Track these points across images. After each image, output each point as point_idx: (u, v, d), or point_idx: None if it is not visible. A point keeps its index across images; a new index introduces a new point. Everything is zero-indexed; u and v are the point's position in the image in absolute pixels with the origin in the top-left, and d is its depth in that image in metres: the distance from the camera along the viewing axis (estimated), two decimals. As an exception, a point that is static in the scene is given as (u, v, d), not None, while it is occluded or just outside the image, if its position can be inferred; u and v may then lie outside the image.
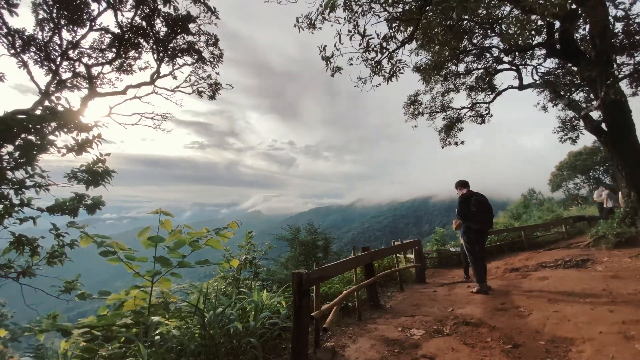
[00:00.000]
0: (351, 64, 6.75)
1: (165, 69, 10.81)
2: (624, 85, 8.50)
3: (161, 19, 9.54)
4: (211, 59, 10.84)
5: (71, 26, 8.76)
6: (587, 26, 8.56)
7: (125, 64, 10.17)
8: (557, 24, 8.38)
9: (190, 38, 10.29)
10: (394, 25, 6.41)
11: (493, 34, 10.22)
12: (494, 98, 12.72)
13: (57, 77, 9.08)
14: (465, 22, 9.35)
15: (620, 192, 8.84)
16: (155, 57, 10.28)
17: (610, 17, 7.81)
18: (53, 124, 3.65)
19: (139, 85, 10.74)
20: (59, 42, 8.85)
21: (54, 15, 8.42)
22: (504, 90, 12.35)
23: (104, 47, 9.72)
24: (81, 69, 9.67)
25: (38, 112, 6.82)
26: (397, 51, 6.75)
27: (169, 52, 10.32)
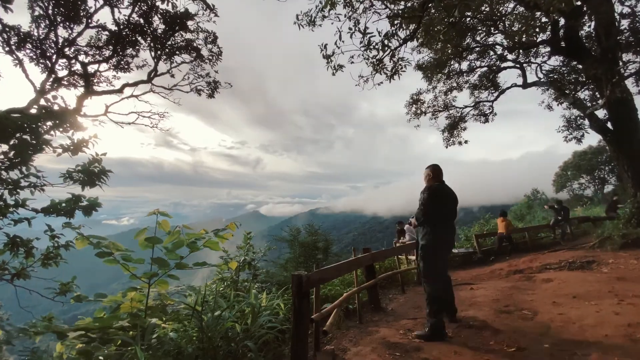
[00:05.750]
0: (352, 62, 6.75)
1: (163, 67, 10.82)
2: (629, 83, 8.53)
3: (159, 16, 9.54)
4: (210, 57, 10.86)
5: (67, 23, 8.77)
6: (593, 23, 8.55)
7: (122, 62, 10.17)
8: (562, 21, 8.37)
9: (188, 35, 10.30)
10: (395, 22, 6.41)
11: (496, 31, 10.22)
12: (498, 96, 12.73)
13: (53, 75, 9.08)
14: (468, 19, 9.35)
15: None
16: (153, 55, 10.28)
17: (616, 14, 7.81)
18: (49, 123, 3.65)
19: (136, 84, 10.75)
20: (54, 39, 8.86)
21: (50, 11, 8.42)
22: (508, 88, 12.35)
23: (100, 44, 9.73)
24: (77, 66, 9.68)
25: (33, 110, 6.83)
26: (399, 49, 6.75)
27: (167, 50, 10.32)
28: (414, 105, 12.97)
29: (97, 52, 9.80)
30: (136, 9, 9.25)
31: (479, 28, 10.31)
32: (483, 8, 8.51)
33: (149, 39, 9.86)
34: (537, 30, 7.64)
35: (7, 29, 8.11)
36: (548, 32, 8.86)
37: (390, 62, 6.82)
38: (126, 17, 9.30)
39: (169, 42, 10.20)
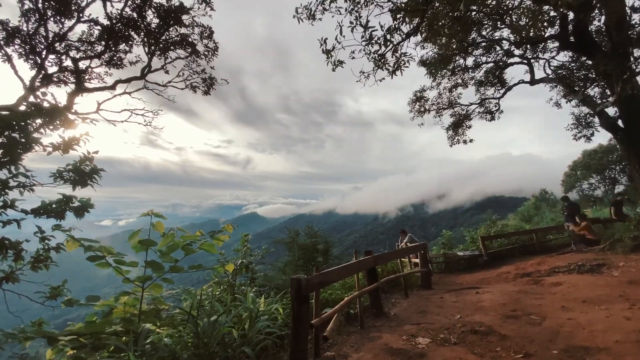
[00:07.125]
0: (353, 58, 6.74)
1: (157, 62, 10.82)
2: (641, 79, 8.49)
3: (153, 10, 9.54)
4: (205, 52, 10.85)
5: (58, 17, 8.76)
6: (603, 17, 8.56)
7: (114, 58, 10.16)
8: (571, 15, 8.37)
9: (183, 30, 10.29)
10: (398, 16, 6.40)
11: (503, 26, 10.21)
12: (504, 93, 12.72)
13: (43, 72, 9.08)
14: (473, 12, 9.34)
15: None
16: (147, 50, 10.28)
17: (627, 8, 7.81)
18: (38, 121, 3.64)
19: (128, 80, 10.74)
20: (44, 34, 8.86)
21: (40, 5, 8.42)
22: (515, 85, 12.35)
23: (92, 39, 9.72)
24: (68, 62, 9.67)
25: (22, 108, 6.82)
26: (401, 44, 6.75)
27: (161, 45, 10.32)
28: (418, 103, 12.95)
29: (89, 48, 9.79)
30: (129, 2, 9.25)
31: (485, 22, 10.30)
32: (489, 1, 8.50)
33: (142, 33, 9.86)
34: (545, 24, 7.63)
35: (-5, 24, 8.10)
36: (556, 27, 8.86)
37: (392, 57, 6.81)
38: (119, 11, 9.30)
39: (163, 37, 10.19)
